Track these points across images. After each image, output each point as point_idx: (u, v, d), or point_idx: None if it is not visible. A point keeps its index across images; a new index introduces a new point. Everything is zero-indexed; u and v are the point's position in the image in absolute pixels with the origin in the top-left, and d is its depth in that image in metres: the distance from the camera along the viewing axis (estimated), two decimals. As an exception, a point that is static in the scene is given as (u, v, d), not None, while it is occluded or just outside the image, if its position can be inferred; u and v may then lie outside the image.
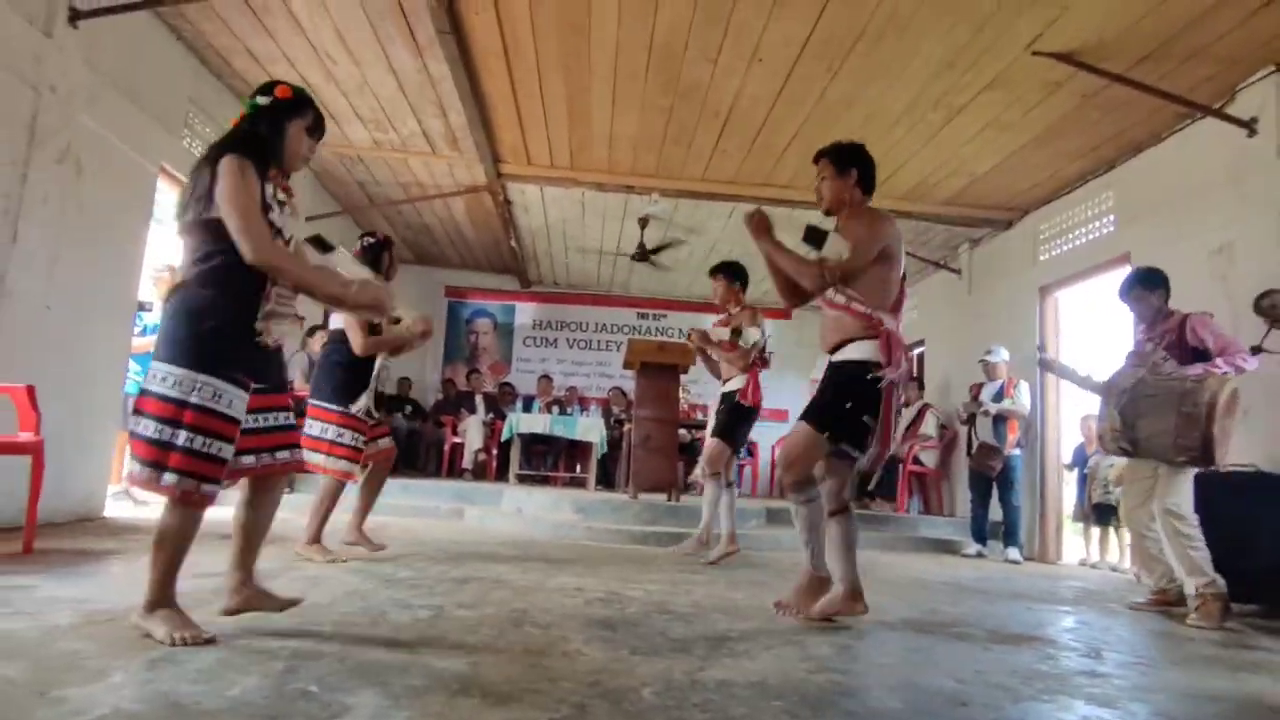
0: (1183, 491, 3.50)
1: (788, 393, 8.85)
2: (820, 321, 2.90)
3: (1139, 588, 4.40)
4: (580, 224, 7.87)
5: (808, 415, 2.78)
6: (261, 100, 2.16)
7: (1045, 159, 5.53)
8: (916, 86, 4.66)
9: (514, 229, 8.07)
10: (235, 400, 2.01)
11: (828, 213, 2.91)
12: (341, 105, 5.58)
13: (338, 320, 3.61)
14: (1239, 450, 3.81)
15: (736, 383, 4.48)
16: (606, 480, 8.32)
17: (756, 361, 4.45)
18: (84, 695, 1.49)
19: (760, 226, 2.93)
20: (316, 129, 2.26)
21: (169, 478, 1.92)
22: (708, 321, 10.27)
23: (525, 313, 10.51)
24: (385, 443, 3.79)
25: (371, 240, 3.67)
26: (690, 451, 8.78)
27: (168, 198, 5.12)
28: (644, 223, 7.51)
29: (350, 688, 1.66)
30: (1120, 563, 5.97)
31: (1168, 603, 3.71)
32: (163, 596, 1.97)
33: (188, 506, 1.97)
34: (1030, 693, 2.04)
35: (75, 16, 3.90)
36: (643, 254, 7.88)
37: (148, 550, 2.01)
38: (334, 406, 3.49)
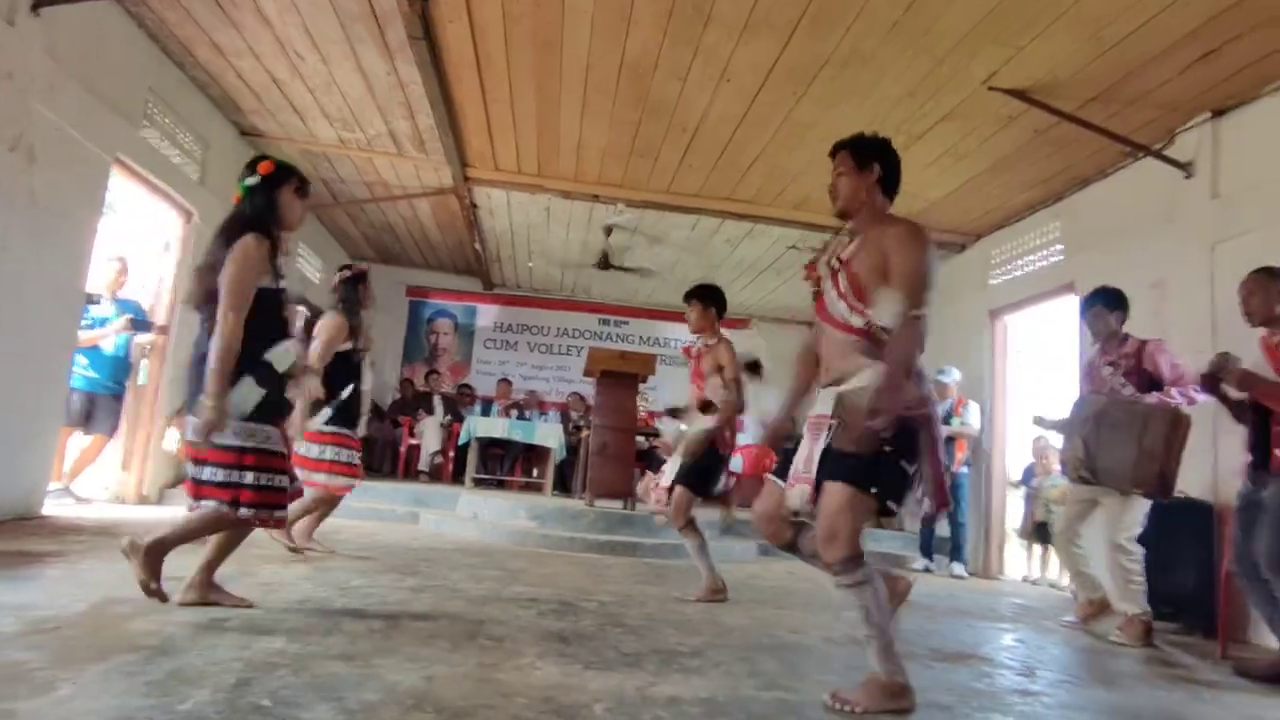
0: (1133, 524, 3.62)
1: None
2: (823, 346, 2.36)
3: (1074, 605, 4.59)
4: (545, 229, 7.88)
5: (839, 472, 2.12)
6: (250, 180, 2.50)
7: (998, 188, 5.74)
8: (878, 113, 4.79)
9: (478, 232, 8.04)
10: (279, 439, 2.53)
11: (841, 213, 2.43)
12: (307, 101, 5.51)
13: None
14: (1168, 477, 4.03)
15: (713, 422, 3.86)
16: (563, 486, 8.33)
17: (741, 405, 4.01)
18: (32, 709, 1.48)
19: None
20: (303, 190, 2.62)
21: (245, 512, 2.44)
22: (667, 329, 10.45)
23: (487, 315, 10.47)
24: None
25: (348, 273, 4.00)
26: (648, 459, 8.84)
27: (122, 189, 5.01)
28: (608, 231, 7.56)
29: (304, 702, 1.67)
30: (1059, 579, 6.19)
31: (1096, 614, 3.87)
32: (162, 553, 2.39)
33: (257, 526, 2.55)
34: (966, 711, 2.14)
35: (38, 4, 3.80)
36: (606, 263, 7.92)
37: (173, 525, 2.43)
38: (329, 428, 3.74)
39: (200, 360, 2.39)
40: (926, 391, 2.21)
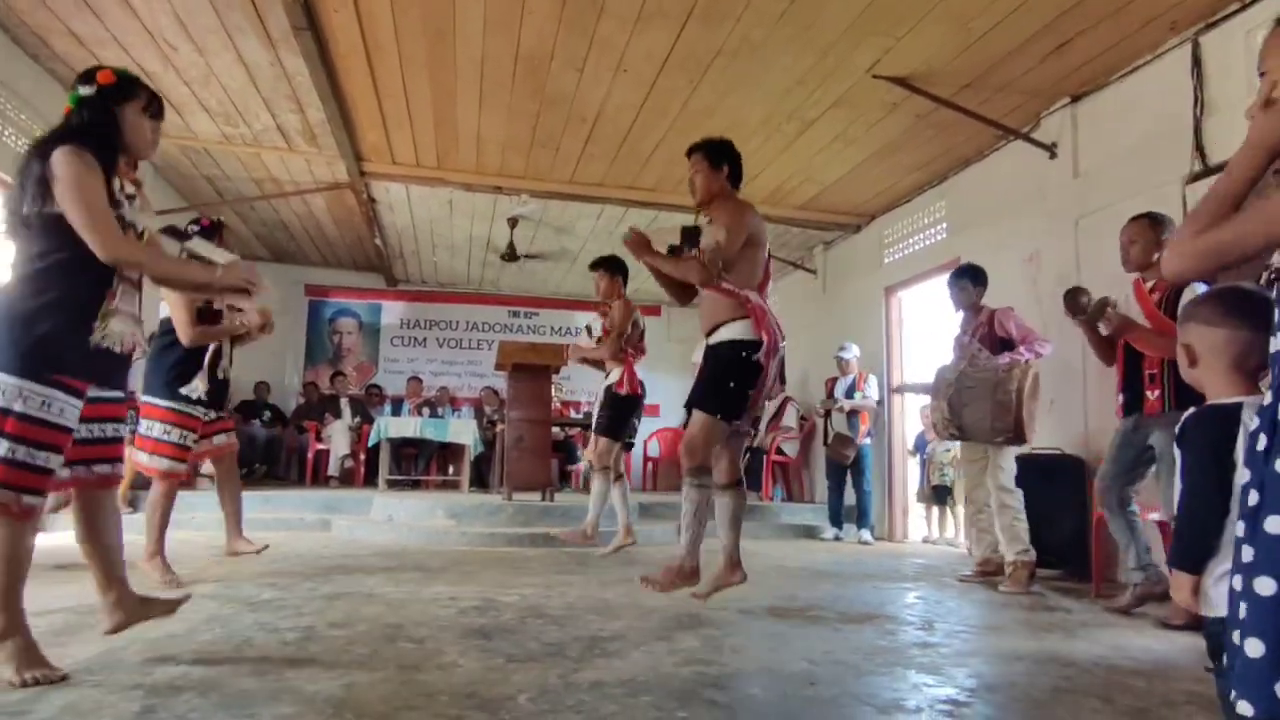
0: (1007, 468, 4.05)
1: (659, 389, 9.09)
2: (700, 306, 3.11)
3: (969, 561, 4.92)
4: (448, 223, 7.73)
5: (698, 403, 2.95)
6: (85, 90, 2.03)
7: (886, 170, 6.02)
8: (771, 101, 4.94)
9: (378, 227, 7.81)
10: (66, 408, 1.90)
11: (700, 204, 3.11)
12: (183, 94, 5.20)
13: (166, 309, 3.44)
14: (1045, 435, 4.37)
15: (614, 375, 4.61)
16: (481, 481, 8.25)
17: (629, 349, 4.59)
18: (-92, 760, 1.38)
19: (639, 245, 3.12)
20: (154, 109, 2.14)
21: None
22: (578, 318, 10.46)
23: (392, 312, 10.18)
24: (223, 439, 3.69)
25: (196, 227, 3.47)
26: (565, 450, 8.85)
27: (-24, 193, 4.60)
28: (513, 223, 7.49)
29: (215, 723, 1.63)
30: (955, 538, 6.61)
31: (989, 572, 4.19)
32: (8, 624, 1.84)
33: (10, 519, 1.83)
34: (870, 667, 2.28)
35: None
36: (512, 254, 7.85)
37: None
38: (162, 401, 3.34)
39: (3, 314, 1.87)
40: (772, 338, 2.93)
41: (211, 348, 3.44)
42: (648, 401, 4.81)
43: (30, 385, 1.83)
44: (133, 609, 2.15)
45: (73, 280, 1.91)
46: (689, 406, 2.99)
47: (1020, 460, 4.15)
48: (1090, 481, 4.15)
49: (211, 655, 2.17)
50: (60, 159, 1.87)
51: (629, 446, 4.84)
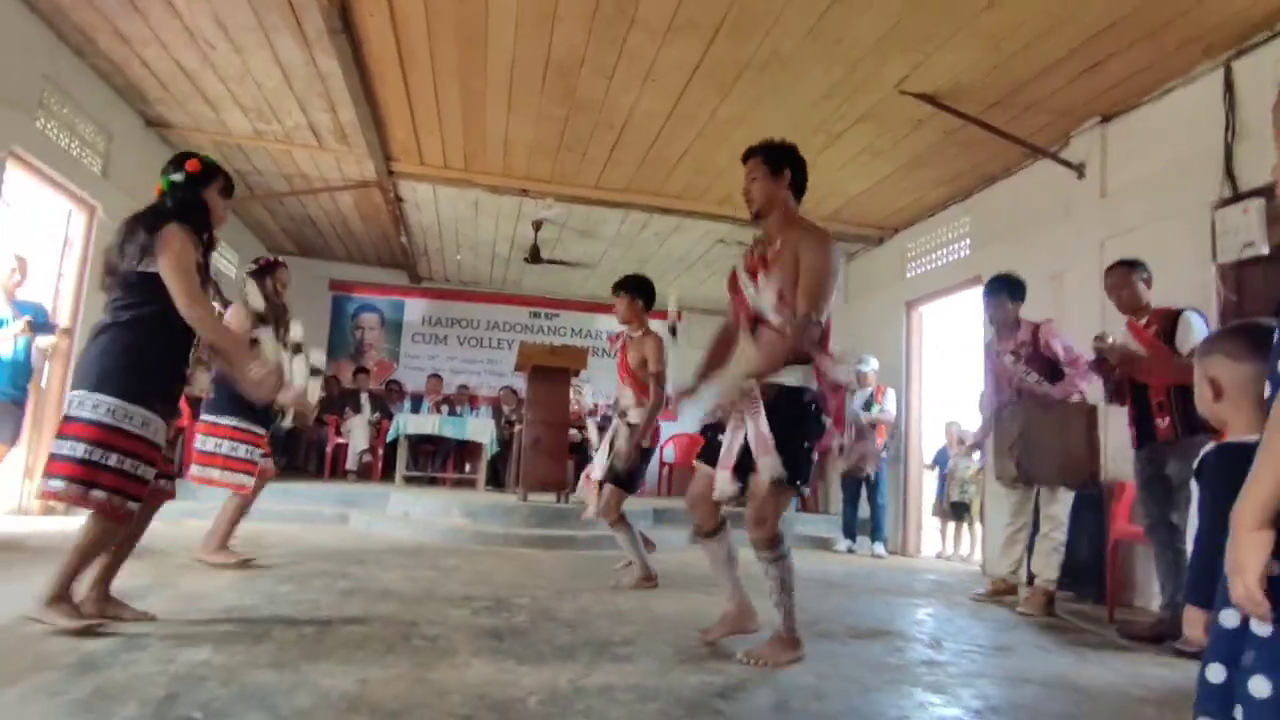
0: (1066, 502, 3.94)
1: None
2: (742, 345, 2.58)
3: (983, 578, 4.90)
4: (473, 224, 7.81)
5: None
6: (175, 176, 2.46)
7: (911, 185, 6.00)
8: (799, 113, 4.95)
9: (404, 225, 7.90)
10: (159, 429, 2.33)
11: (756, 215, 2.60)
12: (219, 91, 5.31)
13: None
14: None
15: (636, 416, 3.95)
16: (496, 481, 8.31)
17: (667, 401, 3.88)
18: (-54, 736, 1.45)
19: (750, 389, 2.48)
20: (228, 190, 2.60)
21: (98, 494, 2.19)
22: (599, 321, 10.51)
23: (415, 309, 10.29)
24: (266, 461, 3.86)
25: (256, 265, 3.91)
26: (580, 452, 8.89)
27: (19, 183, 4.73)
28: (538, 226, 7.55)
29: (235, 712, 1.68)
30: (971, 555, 6.57)
31: (1002, 592, 4.16)
32: (64, 593, 2.25)
33: (113, 520, 2.24)
34: (877, 683, 2.30)
35: (-87, -15, 3.56)
36: (536, 257, 7.91)
37: (63, 553, 2.26)
38: (227, 420, 3.59)
39: (96, 335, 2.34)
40: (831, 385, 2.50)
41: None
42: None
43: (137, 409, 2.26)
44: (107, 609, 2.42)
45: (164, 329, 2.34)
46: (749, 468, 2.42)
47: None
48: (1110, 505, 4.13)
49: (232, 645, 2.23)
50: (171, 233, 2.31)
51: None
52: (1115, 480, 4.21)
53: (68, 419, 2.25)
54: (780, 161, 2.58)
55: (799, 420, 2.42)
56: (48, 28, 4.63)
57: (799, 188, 2.61)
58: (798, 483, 2.41)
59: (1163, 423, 3.25)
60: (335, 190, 7.09)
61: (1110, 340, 3.45)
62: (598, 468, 3.97)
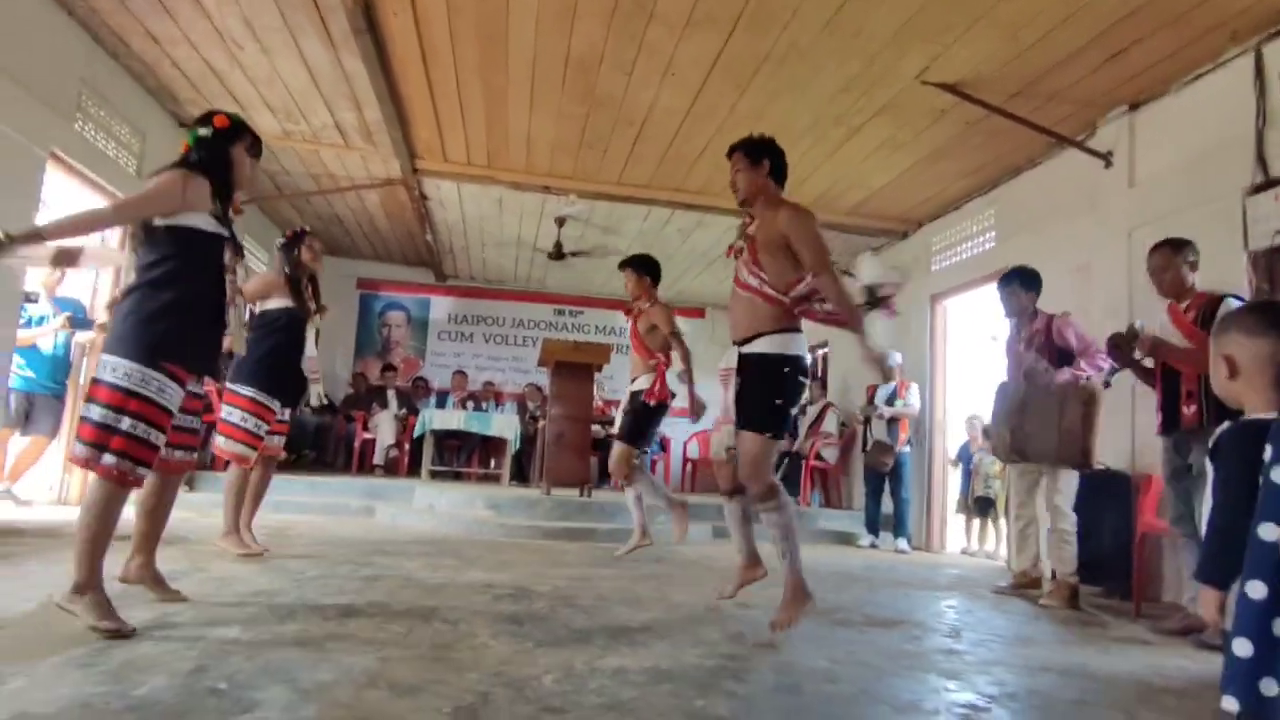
0: (1067, 491, 3.91)
1: (702, 391, 9.11)
2: (732, 310, 2.85)
3: (1008, 574, 4.84)
4: (498, 221, 7.89)
5: (749, 423, 2.68)
6: (203, 131, 2.41)
7: (934, 177, 5.95)
8: (818, 106, 4.94)
9: (429, 223, 8.01)
10: (174, 394, 2.25)
11: (744, 203, 2.90)
12: (248, 92, 5.43)
13: (268, 303, 3.68)
14: (1090, 450, 4.28)
15: (643, 382, 4.41)
16: (521, 475, 8.38)
17: (662, 356, 4.44)
18: (-13, 700, 1.52)
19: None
20: (255, 148, 2.55)
21: (108, 458, 2.12)
22: (623, 318, 10.54)
23: (440, 306, 10.42)
24: (276, 441, 3.79)
25: (282, 240, 3.85)
26: (604, 448, 8.93)
27: (58, 183, 4.89)
28: (561, 222, 7.61)
29: (259, 684, 1.73)
30: (996, 551, 6.50)
31: (1026, 586, 4.12)
32: (90, 579, 2.11)
33: (120, 485, 2.16)
34: (892, 669, 2.30)
35: (-43, -7, 3.70)
36: (559, 253, 7.97)
37: (75, 534, 2.17)
38: (245, 390, 3.51)
39: (123, 298, 2.27)
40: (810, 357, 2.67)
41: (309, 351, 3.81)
42: (686, 404, 4.59)
43: (151, 372, 2.18)
44: (145, 577, 2.49)
45: (185, 284, 2.26)
46: (742, 428, 2.71)
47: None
48: (1136, 499, 4.07)
49: (258, 625, 2.29)
50: (167, 171, 2.27)
51: (642, 452, 4.63)
52: (1142, 473, 4.15)
53: (93, 381, 2.21)
54: (759, 153, 2.87)
55: (773, 379, 2.69)
56: (84, 32, 4.77)
57: (779, 174, 2.90)
58: (771, 435, 2.67)
59: (1189, 410, 3.18)
60: (361, 189, 7.21)
61: (1140, 326, 3.38)
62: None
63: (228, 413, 3.52)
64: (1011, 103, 4.61)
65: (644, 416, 4.37)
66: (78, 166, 4.84)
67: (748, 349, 2.75)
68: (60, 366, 5.03)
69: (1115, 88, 4.43)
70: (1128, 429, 4.45)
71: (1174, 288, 3.37)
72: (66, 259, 2.43)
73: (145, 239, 2.27)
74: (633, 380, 4.52)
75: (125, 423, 2.13)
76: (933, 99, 4.68)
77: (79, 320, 5.04)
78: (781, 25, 4.07)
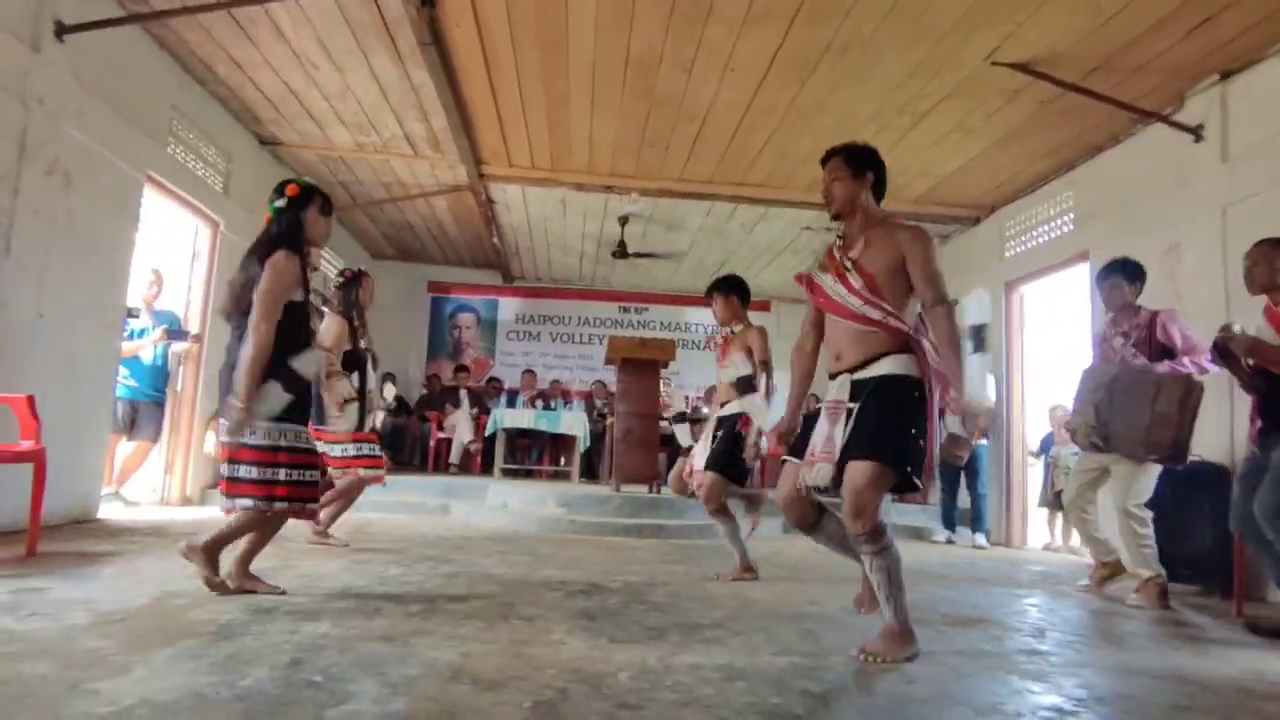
0: (1144, 491, 3.65)
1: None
2: (837, 335, 2.53)
3: (1090, 570, 4.64)
4: (562, 222, 8.01)
5: (873, 451, 2.29)
6: (279, 202, 2.74)
7: (1008, 160, 5.74)
8: (882, 95, 4.84)
9: (496, 226, 8.19)
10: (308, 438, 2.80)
11: (836, 215, 2.62)
12: (324, 109, 5.68)
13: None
14: (1184, 441, 4.06)
15: (735, 407, 3.91)
16: (590, 472, 8.49)
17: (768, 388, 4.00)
18: (113, 688, 1.65)
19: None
20: (327, 208, 2.86)
21: (280, 505, 2.68)
22: (688, 314, 10.56)
23: (508, 307, 10.64)
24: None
25: (344, 278, 4.25)
26: (671, 444, 8.96)
27: (154, 205, 5.22)
28: (624, 221, 7.67)
29: (352, 677, 1.83)
30: (1080, 547, 6.23)
31: (1109, 576, 3.93)
32: (214, 548, 2.66)
33: (293, 519, 2.82)
34: (972, 670, 2.25)
35: (61, 31, 3.98)
36: (623, 251, 8.04)
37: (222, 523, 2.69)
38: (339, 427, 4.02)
39: (231, 367, 2.61)
40: (935, 370, 2.37)
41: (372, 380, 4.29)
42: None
43: (289, 427, 2.67)
44: (246, 583, 2.73)
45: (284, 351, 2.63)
46: (848, 457, 2.34)
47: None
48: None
49: (348, 620, 2.41)
50: (277, 259, 2.60)
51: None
52: (1242, 466, 3.91)
53: (250, 446, 2.62)
54: (863, 164, 2.58)
55: (905, 403, 2.34)
56: (174, 61, 5.08)
57: (880, 189, 2.62)
58: (908, 470, 2.30)
59: None
60: (430, 195, 7.44)
61: (1238, 327, 3.18)
62: (698, 457, 3.96)
63: (341, 449, 4.03)
64: (1090, 78, 4.41)
65: (738, 447, 3.87)
66: (171, 187, 5.15)
67: (865, 373, 2.41)
68: (160, 375, 5.37)
69: (1205, 56, 4.18)
70: (1226, 420, 4.20)
71: (1264, 284, 3.19)
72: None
73: (239, 311, 2.63)
74: (723, 405, 4.04)
75: (283, 473, 2.67)
76: (1004, 80, 4.52)
77: (175, 332, 5.37)
78: (843, 14, 4.01)
